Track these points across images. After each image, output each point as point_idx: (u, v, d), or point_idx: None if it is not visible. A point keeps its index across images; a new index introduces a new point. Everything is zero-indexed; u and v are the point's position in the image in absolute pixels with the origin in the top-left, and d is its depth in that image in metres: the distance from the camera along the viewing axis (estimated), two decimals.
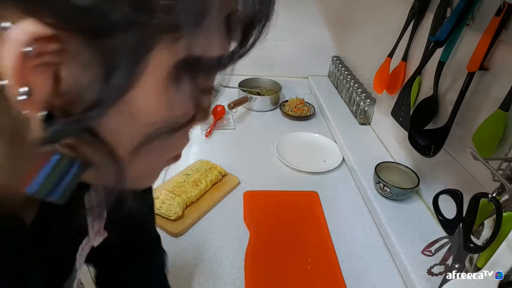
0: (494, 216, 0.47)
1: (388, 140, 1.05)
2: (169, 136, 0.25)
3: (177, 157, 0.32)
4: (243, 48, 0.25)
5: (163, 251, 0.59)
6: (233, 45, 0.25)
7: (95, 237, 0.40)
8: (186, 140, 0.31)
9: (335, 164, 1.02)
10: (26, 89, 0.18)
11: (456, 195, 0.53)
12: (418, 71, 0.78)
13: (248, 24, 0.24)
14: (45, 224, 0.32)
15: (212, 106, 0.30)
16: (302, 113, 1.26)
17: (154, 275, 0.56)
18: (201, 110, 0.26)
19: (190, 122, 0.25)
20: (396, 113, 0.84)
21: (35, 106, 0.19)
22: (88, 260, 0.49)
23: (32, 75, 0.18)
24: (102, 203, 0.40)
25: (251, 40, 0.25)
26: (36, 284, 0.32)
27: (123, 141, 0.23)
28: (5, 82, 0.18)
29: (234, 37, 0.24)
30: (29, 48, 0.17)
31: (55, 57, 0.18)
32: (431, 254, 0.58)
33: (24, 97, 0.18)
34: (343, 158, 1.05)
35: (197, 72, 0.24)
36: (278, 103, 1.33)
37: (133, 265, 0.54)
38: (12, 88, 0.18)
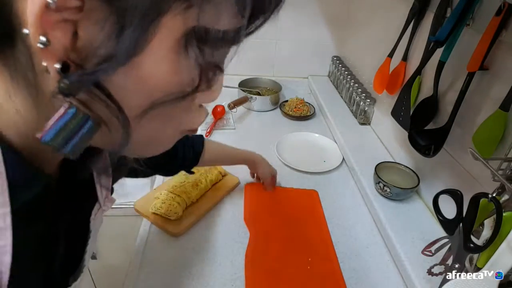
0: (494, 216, 0.47)
1: (388, 140, 1.05)
2: (175, 104, 0.26)
3: (193, 131, 0.33)
4: (251, 26, 0.26)
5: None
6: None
7: (105, 202, 0.42)
8: (200, 114, 0.32)
9: (335, 164, 1.02)
10: (44, 39, 0.20)
11: (456, 195, 0.53)
12: (418, 71, 0.78)
13: (260, 3, 0.25)
14: (67, 188, 0.34)
15: (218, 85, 0.30)
16: (302, 113, 1.26)
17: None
18: (205, 81, 0.26)
19: (195, 91, 0.26)
20: (396, 113, 0.84)
21: (53, 58, 0.21)
22: None
23: (52, 28, 0.20)
24: (108, 170, 0.42)
25: (260, 20, 0.26)
26: (62, 249, 0.35)
27: (131, 102, 0.24)
28: (27, 30, 0.20)
29: (243, 14, 0.24)
30: (52, 1, 0.19)
31: (75, 14, 0.20)
32: (431, 254, 0.58)
33: (42, 46, 0.20)
34: (343, 158, 1.05)
35: (205, 43, 0.24)
36: (278, 103, 1.33)
37: None
38: (33, 36, 0.20)
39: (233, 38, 0.25)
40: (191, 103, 0.29)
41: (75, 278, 0.37)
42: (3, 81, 0.24)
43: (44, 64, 0.21)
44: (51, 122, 0.22)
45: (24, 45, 0.22)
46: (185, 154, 0.71)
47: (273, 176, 0.90)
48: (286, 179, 0.96)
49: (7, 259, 0.26)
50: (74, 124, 0.23)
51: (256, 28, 0.26)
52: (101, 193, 0.41)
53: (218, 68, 0.28)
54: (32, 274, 0.31)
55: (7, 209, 0.25)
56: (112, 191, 0.45)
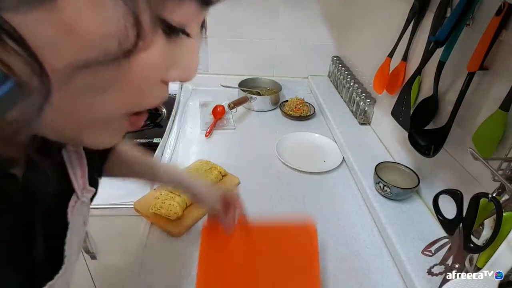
0: (494, 216, 0.47)
1: (388, 140, 1.05)
2: (109, 68, 0.21)
3: (136, 121, 0.28)
4: None
5: None
6: None
7: (83, 193, 0.39)
8: (159, 92, 0.26)
9: (335, 164, 1.02)
10: None
11: (456, 195, 0.53)
12: (418, 71, 0.78)
13: None
14: (34, 181, 0.30)
15: (190, 59, 0.25)
16: (302, 113, 1.26)
17: None
18: (146, 37, 0.21)
19: (130, 51, 0.20)
20: (396, 113, 0.84)
21: None
22: None
23: None
24: (82, 159, 0.39)
25: None
26: (41, 241, 0.33)
27: (53, 57, 0.19)
28: None
29: None
30: None
31: None
32: (431, 254, 0.58)
33: None
34: (343, 158, 1.05)
35: None
36: (278, 103, 1.33)
37: None
38: None
39: None
40: (145, 79, 0.23)
41: (56, 271, 0.35)
42: None
43: None
44: None
45: None
46: None
47: (234, 208, 0.62)
48: (286, 179, 0.96)
49: None
50: None
51: None
52: (77, 183, 0.38)
53: (177, 32, 0.23)
54: (9, 267, 0.29)
55: None
56: (94, 182, 0.42)
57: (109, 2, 0.19)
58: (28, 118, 0.20)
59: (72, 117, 0.24)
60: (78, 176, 0.39)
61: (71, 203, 0.37)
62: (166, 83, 0.26)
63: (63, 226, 0.36)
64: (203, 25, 0.28)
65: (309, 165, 1.01)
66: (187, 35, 0.24)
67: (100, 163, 0.49)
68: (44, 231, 0.33)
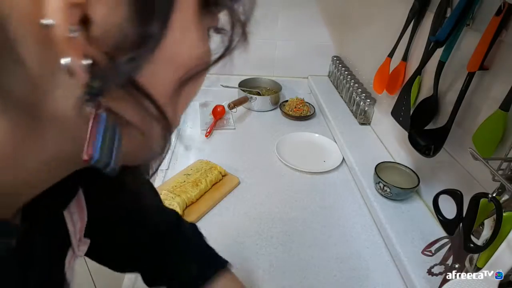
0: (494, 216, 0.47)
1: (388, 140, 1.05)
2: (199, 79, 0.24)
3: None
4: None
5: (187, 226, 0.56)
6: None
7: (79, 247, 0.37)
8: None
9: (335, 164, 1.02)
10: (74, 26, 0.16)
11: (456, 195, 0.53)
12: (418, 71, 0.78)
13: None
14: (31, 238, 0.28)
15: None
16: (302, 113, 1.26)
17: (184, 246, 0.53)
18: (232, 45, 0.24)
19: (219, 59, 0.24)
20: (396, 113, 0.84)
21: (77, 53, 0.17)
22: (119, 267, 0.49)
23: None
24: (83, 212, 0.36)
25: None
26: None
27: (161, 89, 0.21)
28: (51, 21, 0.16)
29: None
30: None
31: None
32: (431, 254, 0.58)
33: (76, 34, 0.16)
34: (343, 158, 1.05)
35: (216, 7, 0.23)
36: (278, 103, 1.33)
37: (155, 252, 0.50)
38: (59, 28, 0.16)
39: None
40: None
41: None
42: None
43: (64, 62, 0.16)
44: (89, 135, 0.19)
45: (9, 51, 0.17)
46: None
47: None
48: (285, 179, 0.96)
49: None
50: (109, 132, 0.19)
51: None
52: (75, 236, 0.35)
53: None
54: None
55: None
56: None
57: (202, 30, 0.23)
58: (162, 142, 0.24)
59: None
60: (77, 229, 0.36)
61: (68, 257, 0.35)
62: None
63: (60, 284, 0.34)
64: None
65: (309, 165, 1.01)
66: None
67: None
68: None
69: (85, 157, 0.19)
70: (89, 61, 0.17)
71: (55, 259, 0.33)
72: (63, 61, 0.17)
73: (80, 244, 0.37)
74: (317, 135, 1.16)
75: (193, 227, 0.57)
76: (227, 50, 0.24)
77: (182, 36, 0.21)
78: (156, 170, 0.27)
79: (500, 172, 0.53)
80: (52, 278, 0.33)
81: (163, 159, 0.25)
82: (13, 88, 0.18)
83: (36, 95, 0.19)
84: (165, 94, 0.22)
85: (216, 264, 0.53)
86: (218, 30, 0.25)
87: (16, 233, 0.23)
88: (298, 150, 1.09)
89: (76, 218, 0.35)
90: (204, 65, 0.24)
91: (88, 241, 0.39)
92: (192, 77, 0.23)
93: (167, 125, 0.22)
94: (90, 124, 0.19)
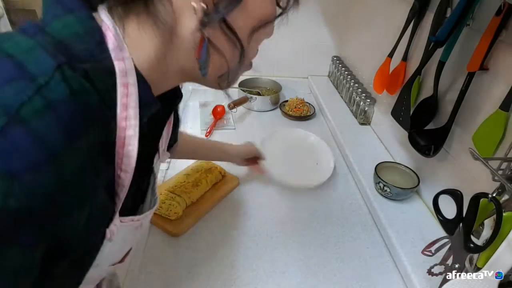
0: (494, 216, 0.47)
1: (388, 140, 1.05)
2: (267, 28, 0.37)
3: (248, 67, 0.42)
4: None
5: None
6: None
7: (163, 154, 0.50)
8: (257, 50, 0.41)
9: (328, 170, 0.95)
10: None
11: (456, 195, 0.53)
12: (418, 71, 0.78)
13: None
14: (154, 124, 0.42)
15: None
16: (302, 113, 1.26)
17: None
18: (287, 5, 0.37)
19: (282, 13, 0.37)
20: (396, 113, 0.84)
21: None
22: None
23: None
24: (171, 124, 0.51)
25: None
26: (147, 177, 0.47)
27: (242, 30, 0.34)
28: None
29: None
30: None
31: None
32: (431, 254, 0.58)
33: None
34: (334, 165, 1.05)
35: None
36: (278, 103, 1.33)
37: None
38: None
39: None
40: (264, 34, 0.38)
41: (150, 207, 0.46)
42: (148, 29, 0.32)
43: (194, 4, 0.31)
44: (200, 48, 0.33)
45: None
46: None
47: (255, 157, 0.89)
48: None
49: (132, 161, 0.33)
50: (208, 50, 0.33)
51: None
52: (162, 144, 0.49)
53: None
54: (130, 192, 0.36)
55: (137, 121, 0.32)
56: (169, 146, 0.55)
57: None
58: (233, 72, 0.38)
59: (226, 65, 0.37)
60: (164, 139, 0.50)
61: (155, 159, 0.48)
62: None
63: (150, 173, 0.47)
64: None
65: (300, 172, 0.95)
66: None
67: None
68: (142, 169, 0.41)
69: (196, 56, 0.33)
70: (204, 5, 0.31)
71: (151, 155, 0.47)
72: (193, 3, 0.31)
73: (163, 153, 0.51)
74: (302, 131, 1.10)
75: None
76: (284, 10, 0.36)
77: None
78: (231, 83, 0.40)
79: (500, 172, 0.53)
80: (145, 166, 0.45)
81: (237, 75, 0.40)
82: (162, 14, 0.31)
83: (174, 20, 0.32)
84: (244, 34, 0.34)
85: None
86: None
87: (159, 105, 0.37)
88: (288, 154, 1.02)
89: (165, 129, 0.49)
90: (270, 19, 0.36)
91: (168, 154, 0.55)
92: (261, 26, 0.35)
93: (243, 53, 0.35)
94: (199, 42, 0.33)
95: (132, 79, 0.31)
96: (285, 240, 0.77)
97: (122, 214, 0.36)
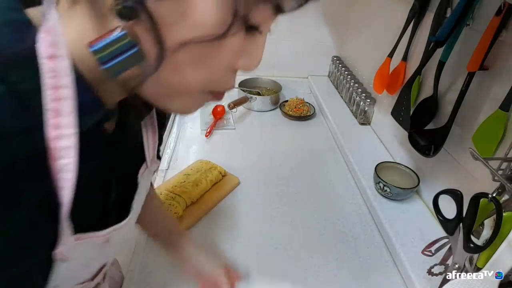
0: (494, 216, 0.47)
1: (388, 140, 1.05)
2: (207, 47, 0.27)
3: (217, 95, 0.34)
4: None
5: None
6: None
7: (151, 163, 0.47)
8: (231, 78, 0.32)
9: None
10: None
11: (456, 195, 0.53)
12: (418, 71, 0.78)
13: None
14: (122, 133, 0.38)
15: (257, 51, 0.31)
16: (302, 113, 1.26)
17: None
18: (236, 29, 0.27)
19: (223, 35, 0.27)
20: (396, 113, 0.84)
21: None
22: None
23: None
24: (155, 132, 0.46)
25: None
26: (114, 188, 0.40)
27: (170, 35, 0.26)
28: None
29: None
30: None
31: None
32: (431, 254, 0.58)
33: None
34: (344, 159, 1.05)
35: None
36: (278, 103, 1.33)
37: None
38: None
39: None
40: (224, 62, 0.30)
41: (119, 221, 0.40)
42: (82, 18, 0.27)
43: None
44: (102, 36, 0.25)
45: None
46: None
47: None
48: (286, 179, 0.96)
49: (70, 176, 0.28)
50: (120, 45, 0.25)
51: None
52: (148, 153, 0.45)
53: (254, 29, 0.29)
54: (86, 206, 0.33)
55: (73, 130, 0.27)
56: (158, 154, 0.50)
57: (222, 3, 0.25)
58: (144, 76, 0.28)
59: (167, 83, 0.29)
60: (150, 147, 0.46)
61: (141, 169, 0.45)
62: (235, 71, 0.32)
63: (133, 187, 0.44)
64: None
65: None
66: (260, 33, 0.30)
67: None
68: (118, 188, 0.40)
69: (88, 43, 0.25)
70: None
71: (132, 165, 0.44)
72: None
73: (153, 162, 0.47)
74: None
75: None
76: (223, 35, 0.27)
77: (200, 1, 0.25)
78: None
79: (500, 172, 0.53)
80: (128, 178, 0.43)
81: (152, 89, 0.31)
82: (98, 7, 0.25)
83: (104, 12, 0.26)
84: (172, 40, 0.26)
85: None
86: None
87: (112, 114, 0.32)
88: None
89: (150, 136, 0.45)
90: (209, 36, 0.26)
91: (158, 162, 0.50)
92: (197, 42, 0.26)
93: (160, 58, 0.26)
94: (106, 32, 0.25)
95: (66, 81, 0.26)
96: (285, 240, 0.77)
97: (82, 230, 0.33)
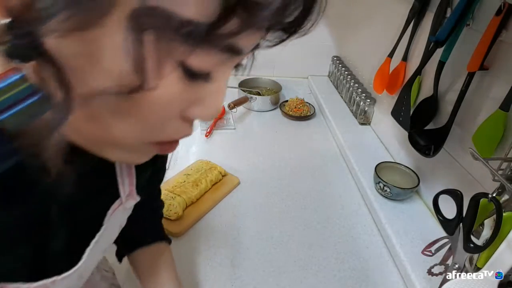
0: (494, 216, 0.47)
1: (388, 140, 1.05)
2: (121, 99, 0.22)
3: (165, 146, 0.28)
4: (247, 24, 0.20)
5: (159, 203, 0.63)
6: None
7: (126, 199, 0.41)
8: (180, 129, 0.27)
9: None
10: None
11: (456, 195, 0.53)
12: (418, 71, 0.78)
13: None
14: (69, 175, 0.31)
15: (211, 99, 0.26)
16: (302, 113, 1.26)
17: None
18: (154, 78, 0.21)
19: (136, 89, 0.21)
20: (396, 113, 0.84)
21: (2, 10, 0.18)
22: None
23: None
24: (131, 168, 0.41)
25: (264, 17, 0.20)
26: (61, 234, 0.34)
27: (80, 81, 0.21)
28: None
29: (229, 5, 0.19)
30: None
31: None
32: (431, 254, 0.58)
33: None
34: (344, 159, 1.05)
35: (164, 33, 0.19)
36: (278, 103, 1.33)
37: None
38: None
39: (206, 35, 0.20)
40: (160, 114, 0.24)
41: (66, 269, 0.35)
42: None
43: None
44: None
45: None
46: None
47: None
48: (286, 179, 0.96)
49: None
50: (16, 91, 0.20)
51: (257, 25, 0.21)
52: (123, 189, 0.40)
53: (201, 76, 0.23)
54: (9, 255, 0.30)
55: None
56: (142, 190, 0.44)
57: (137, 48, 0.20)
58: (51, 128, 0.22)
59: (93, 135, 0.25)
60: (126, 183, 0.41)
61: (114, 206, 0.40)
62: (187, 119, 0.27)
63: (96, 227, 0.38)
64: (238, 66, 0.30)
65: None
66: (210, 78, 0.25)
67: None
68: (71, 228, 0.35)
69: None
70: (6, 21, 0.18)
71: (98, 205, 0.38)
72: None
73: (129, 198, 0.41)
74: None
75: (162, 204, 0.64)
76: (136, 89, 0.21)
77: (110, 40, 0.19)
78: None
79: (500, 172, 0.53)
80: (91, 218, 0.38)
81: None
82: None
83: None
84: (82, 88, 0.21)
85: (157, 237, 0.60)
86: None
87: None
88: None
89: (124, 172, 0.40)
90: (122, 87, 0.21)
91: (138, 198, 0.43)
92: (108, 92, 0.21)
93: (67, 106, 0.21)
94: (4, 70, 0.20)
95: None
96: (285, 240, 0.77)
97: (6, 279, 0.30)
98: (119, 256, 0.59)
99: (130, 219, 0.56)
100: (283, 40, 0.26)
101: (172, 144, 0.29)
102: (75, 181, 0.32)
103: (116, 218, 0.41)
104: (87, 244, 0.37)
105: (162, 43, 0.20)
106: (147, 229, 0.60)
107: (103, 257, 0.52)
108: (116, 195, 0.40)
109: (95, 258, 0.40)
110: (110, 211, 0.39)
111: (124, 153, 0.28)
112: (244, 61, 0.30)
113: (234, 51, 0.23)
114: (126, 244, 0.58)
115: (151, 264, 0.57)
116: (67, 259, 0.36)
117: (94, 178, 0.35)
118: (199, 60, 0.22)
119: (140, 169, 0.42)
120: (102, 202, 0.39)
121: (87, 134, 0.26)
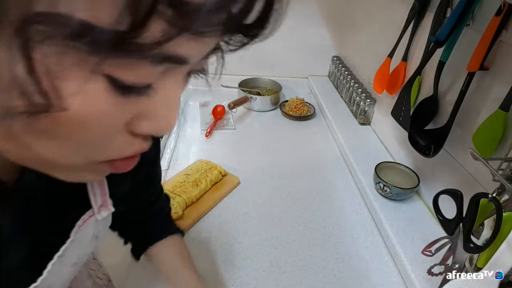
0: (494, 216, 0.47)
1: (388, 140, 1.05)
2: (48, 118, 0.19)
3: (118, 164, 0.26)
4: (168, 34, 0.18)
5: (163, 197, 0.63)
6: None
7: (99, 211, 0.39)
8: (123, 144, 0.24)
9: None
10: None
11: (456, 195, 0.53)
12: (418, 71, 0.78)
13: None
14: (28, 188, 0.30)
15: (163, 112, 0.24)
16: (302, 113, 1.26)
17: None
18: (54, 96, 0.18)
19: (45, 109, 0.19)
20: (396, 113, 0.84)
21: None
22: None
23: None
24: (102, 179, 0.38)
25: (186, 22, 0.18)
26: (20, 247, 0.32)
27: None
28: None
29: (140, 11, 0.16)
30: None
31: None
32: (431, 254, 0.58)
33: None
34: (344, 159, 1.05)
35: (63, 42, 0.17)
36: (278, 103, 1.33)
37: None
38: None
39: (121, 44, 0.17)
40: (92, 132, 0.21)
41: (25, 286, 0.33)
42: None
43: None
44: None
45: None
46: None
47: None
48: (286, 179, 0.96)
49: None
50: None
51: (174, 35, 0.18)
52: (95, 200, 0.38)
53: (139, 89, 0.21)
54: None
55: None
56: (123, 201, 0.43)
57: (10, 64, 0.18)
58: None
59: (21, 155, 0.23)
60: (98, 194, 0.39)
61: (84, 217, 0.37)
62: (137, 134, 0.24)
63: (63, 239, 0.35)
64: (195, 73, 0.27)
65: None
66: (153, 90, 0.22)
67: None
68: (31, 242, 0.32)
69: None
70: None
71: (66, 215, 0.36)
72: None
73: (102, 209, 0.39)
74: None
75: (167, 199, 0.64)
76: (44, 109, 0.19)
77: (3, 53, 0.17)
78: None
79: (500, 172, 0.53)
80: (57, 229, 0.35)
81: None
82: None
83: None
84: None
85: (170, 231, 0.61)
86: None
87: None
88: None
89: (95, 183, 0.38)
90: (30, 107, 0.18)
91: (112, 209, 0.41)
92: (18, 111, 0.18)
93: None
94: None
95: None
96: (285, 240, 0.77)
97: None
98: (136, 255, 0.59)
99: (137, 220, 0.57)
100: (244, 44, 0.24)
101: (127, 160, 0.26)
102: (34, 194, 0.31)
103: (88, 230, 0.38)
104: (50, 258, 0.34)
105: (67, 56, 0.17)
106: (157, 226, 0.60)
107: (96, 263, 0.52)
108: (87, 206, 0.38)
109: (63, 272, 0.37)
110: (79, 222, 0.37)
111: (72, 173, 0.26)
112: (206, 67, 0.27)
113: (175, 61, 0.20)
114: (140, 243, 0.58)
115: (170, 259, 0.58)
116: (27, 275, 0.33)
117: (60, 189, 0.32)
118: (129, 72, 0.19)
119: (115, 180, 0.39)
120: (71, 214, 0.36)
121: (16, 155, 0.23)
